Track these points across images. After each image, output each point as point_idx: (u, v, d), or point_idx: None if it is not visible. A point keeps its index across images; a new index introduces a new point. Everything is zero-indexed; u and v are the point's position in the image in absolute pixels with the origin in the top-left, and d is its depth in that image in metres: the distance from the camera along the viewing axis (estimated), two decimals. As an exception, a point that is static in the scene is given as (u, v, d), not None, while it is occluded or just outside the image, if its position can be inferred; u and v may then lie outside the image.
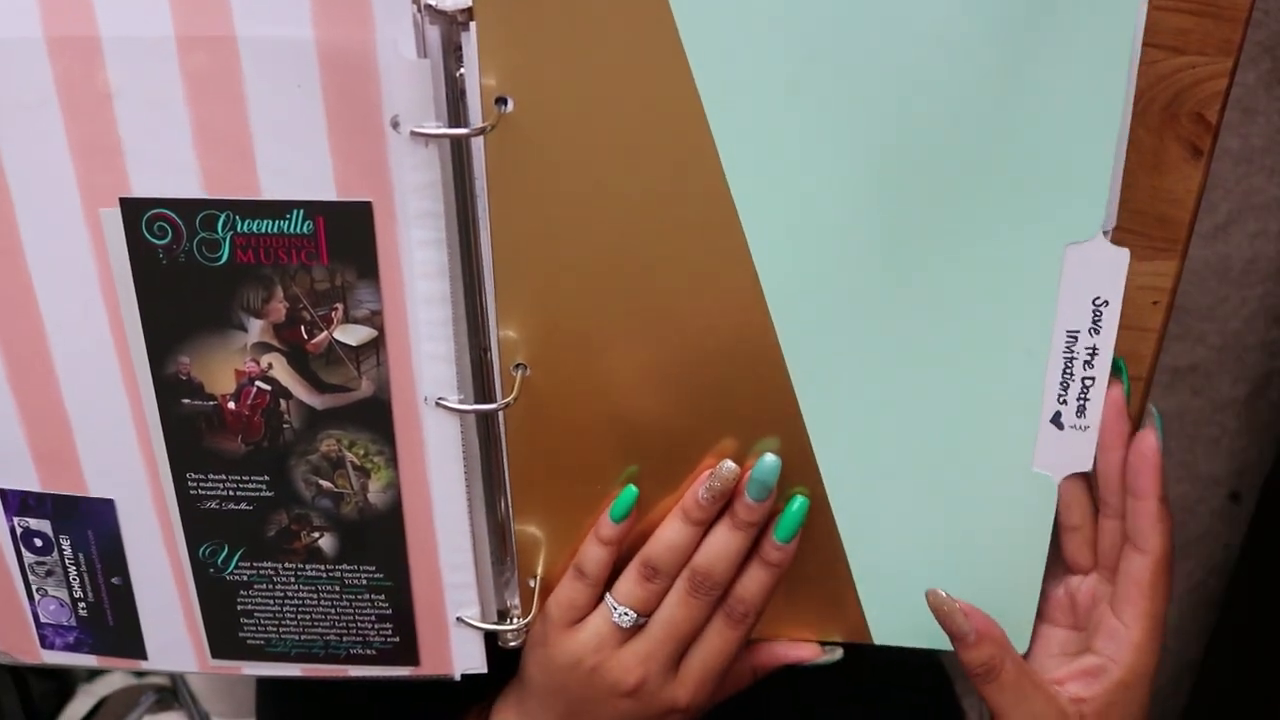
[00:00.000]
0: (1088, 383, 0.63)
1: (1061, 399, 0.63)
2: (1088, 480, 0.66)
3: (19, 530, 0.67)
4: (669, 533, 0.66)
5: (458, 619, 0.68)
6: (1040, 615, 0.69)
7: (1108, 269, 0.60)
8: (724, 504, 0.65)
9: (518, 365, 0.62)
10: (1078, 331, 0.62)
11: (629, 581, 0.67)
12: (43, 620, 0.70)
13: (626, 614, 0.66)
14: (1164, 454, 0.63)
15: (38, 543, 0.68)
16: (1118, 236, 0.60)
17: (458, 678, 0.70)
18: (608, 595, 0.67)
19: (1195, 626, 1.62)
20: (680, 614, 0.67)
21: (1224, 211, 1.31)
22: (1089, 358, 0.62)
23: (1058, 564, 0.69)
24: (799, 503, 0.66)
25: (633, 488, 0.66)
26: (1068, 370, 0.62)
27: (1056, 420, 0.64)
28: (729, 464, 0.64)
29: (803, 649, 0.71)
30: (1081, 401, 0.63)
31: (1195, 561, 1.58)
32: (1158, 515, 0.64)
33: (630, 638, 0.67)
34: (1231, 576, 1.56)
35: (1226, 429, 1.48)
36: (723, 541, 0.66)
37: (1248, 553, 1.52)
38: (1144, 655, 0.65)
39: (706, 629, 0.68)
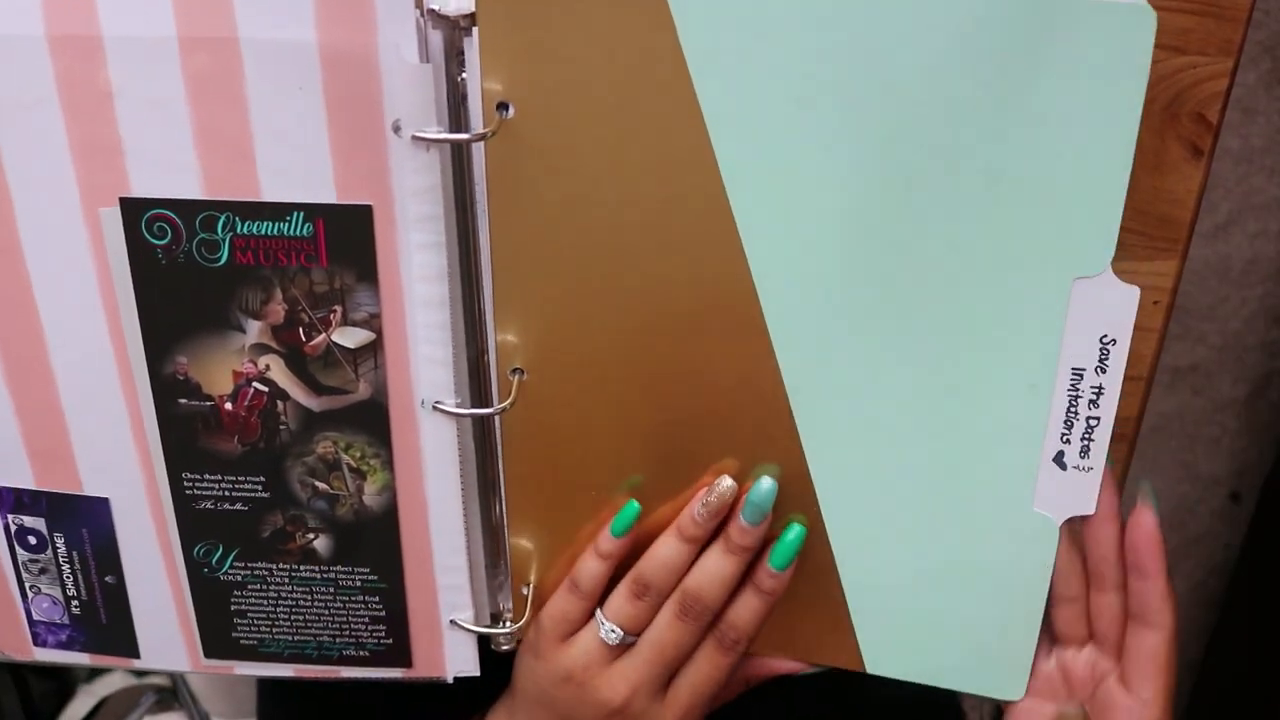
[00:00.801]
0: (1092, 423, 0.62)
1: (1065, 438, 0.62)
2: (1081, 551, 0.66)
3: (13, 527, 0.67)
4: (662, 550, 0.65)
5: (451, 621, 0.68)
6: (1028, 690, 0.69)
7: (1117, 307, 0.60)
8: (720, 522, 0.65)
9: (515, 370, 0.62)
10: (1083, 369, 0.61)
11: (619, 598, 0.66)
12: (35, 618, 0.70)
13: (614, 631, 0.66)
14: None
15: (32, 540, 0.68)
16: (1119, 237, 0.60)
17: (450, 680, 0.71)
18: (598, 611, 0.67)
19: (1195, 626, 1.63)
20: (669, 636, 0.66)
21: (1224, 211, 1.31)
22: (1094, 397, 0.61)
23: (1044, 636, 0.68)
24: (796, 531, 0.65)
25: (634, 503, 0.65)
26: (1072, 409, 0.61)
27: (1059, 460, 0.63)
28: (727, 480, 0.64)
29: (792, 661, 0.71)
30: (1086, 442, 0.62)
31: (1195, 561, 1.58)
32: (1166, 592, 0.64)
33: (619, 656, 0.67)
34: (1231, 576, 1.56)
35: (1226, 429, 1.48)
36: (715, 565, 0.65)
37: (1248, 553, 1.52)
38: None
39: (697, 653, 0.67)
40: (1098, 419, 0.62)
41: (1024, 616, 0.67)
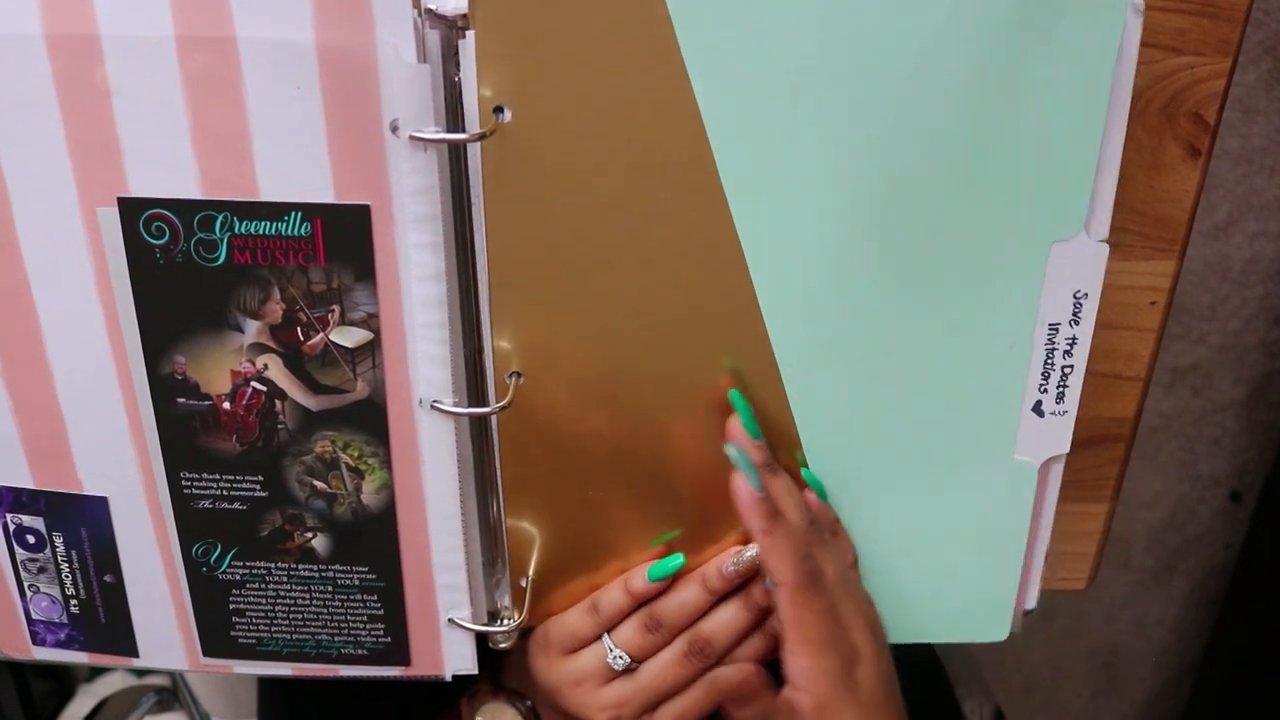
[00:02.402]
0: (1067, 370, 0.64)
1: (1043, 388, 0.64)
2: None
3: (12, 527, 0.67)
4: (684, 594, 0.67)
5: (449, 620, 0.68)
6: None
7: (1089, 263, 0.61)
8: (745, 580, 0.67)
9: (512, 374, 0.62)
10: (1059, 324, 0.63)
11: (631, 629, 0.68)
12: (34, 617, 0.70)
13: (620, 657, 0.67)
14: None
15: (30, 539, 0.68)
16: (1115, 236, 0.60)
17: (449, 678, 0.71)
18: (606, 635, 0.68)
19: (1195, 627, 1.63)
20: (670, 672, 0.68)
21: (1224, 211, 1.31)
22: (1069, 347, 0.63)
23: None
24: None
25: (680, 556, 0.67)
26: (1049, 360, 0.63)
27: (1037, 409, 0.65)
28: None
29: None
30: (1061, 389, 0.64)
31: (1195, 561, 1.58)
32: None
33: (616, 677, 0.68)
34: (1231, 576, 1.56)
35: (1226, 429, 1.48)
36: (732, 617, 0.67)
37: (1248, 553, 1.52)
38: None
39: (693, 685, 0.69)
40: (1071, 366, 0.64)
41: (1006, 559, 0.69)
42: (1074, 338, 0.63)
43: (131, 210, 0.58)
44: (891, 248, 0.60)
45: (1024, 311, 0.62)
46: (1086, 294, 0.62)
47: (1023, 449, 0.65)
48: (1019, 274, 0.61)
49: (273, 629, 0.69)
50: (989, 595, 0.69)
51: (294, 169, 0.57)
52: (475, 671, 0.70)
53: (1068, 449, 0.66)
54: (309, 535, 0.66)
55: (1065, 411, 0.65)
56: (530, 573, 0.68)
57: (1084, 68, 0.56)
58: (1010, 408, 0.65)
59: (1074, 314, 0.62)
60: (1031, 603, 0.71)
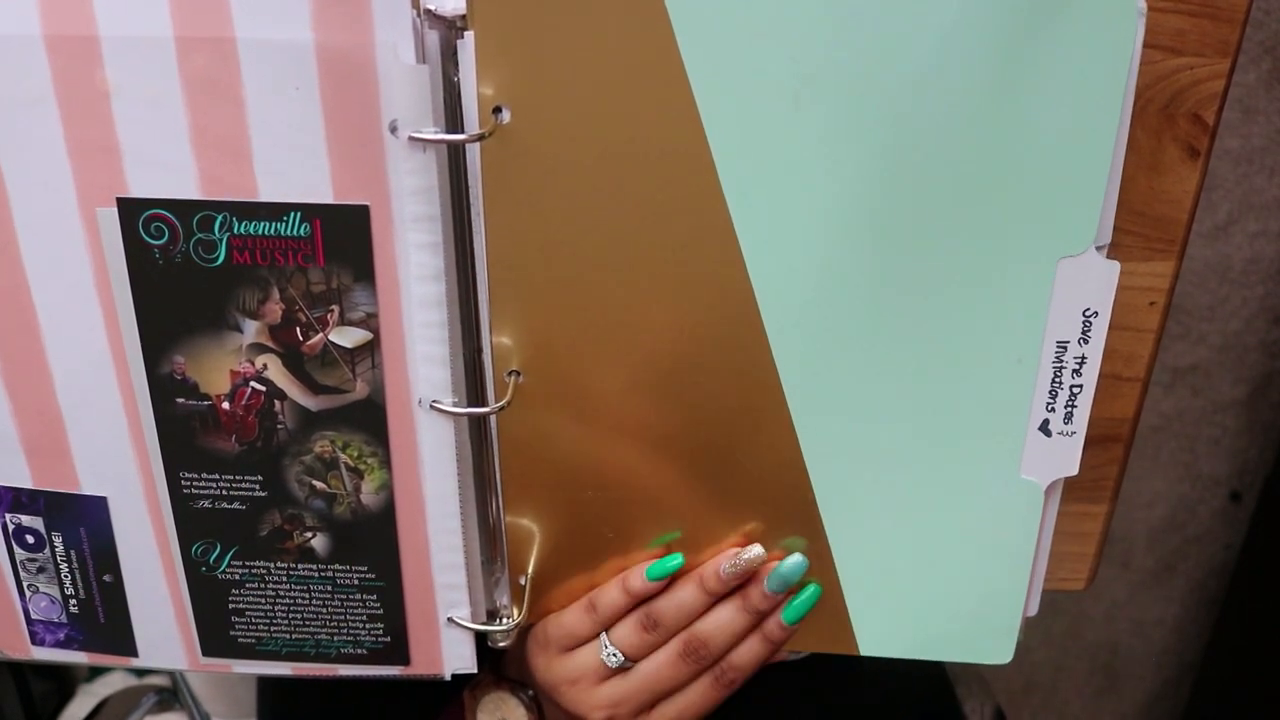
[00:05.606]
0: (1075, 390, 0.63)
1: (1050, 407, 0.63)
2: None
3: (11, 527, 0.67)
4: (682, 594, 0.67)
5: (448, 619, 0.68)
6: None
7: (1099, 281, 0.61)
8: (742, 582, 0.67)
9: (511, 372, 0.62)
10: (1067, 342, 0.62)
11: (628, 628, 0.68)
12: (33, 617, 0.70)
13: (615, 655, 0.68)
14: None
15: (30, 539, 0.68)
16: (1115, 237, 0.60)
17: (448, 678, 0.71)
18: (604, 634, 0.68)
19: (1195, 627, 1.63)
20: (666, 672, 0.68)
21: (1224, 211, 1.31)
22: (1077, 366, 0.62)
23: None
24: (811, 591, 0.67)
25: (679, 556, 0.67)
26: (1056, 379, 0.63)
27: (1044, 428, 0.64)
28: (758, 548, 0.66)
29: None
30: (1069, 408, 0.63)
31: (1195, 561, 1.58)
32: None
33: (612, 675, 0.69)
34: (1231, 576, 1.56)
35: (1226, 429, 1.48)
36: (729, 618, 0.67)
37: (1248, 553, 1.52)
38: None
39: (691, 685, 0.69)
40: (1080, 386, 0.63)
41: (1011, 580, 0.68)
42: (1083, 357, 0.62)
43: (131, 210, 0.58)
44: (893, 254, 0.60)
45: (1031, 327, 0.61)
46: (1096, 312, 0.61)
47: (1028, 468, 0.65)
48: (1024, 289, 0.61)
49: (272, 629, 0.69)
50: (993, 616, 0.69)
51: (293, 169, 0.57)
52: (474, 670, 0.70)
53: (1076, 471, 0.65)
54: (308, 535, 0.66)
55: (1074, 432, 0.64)
56: (529, 571, 0.68)
57: (1093, 79, 0.56)
58: (1016, 425, 0.64)
59: (1083, 333, 0.62)
60: (1034, 610, 0.71)
